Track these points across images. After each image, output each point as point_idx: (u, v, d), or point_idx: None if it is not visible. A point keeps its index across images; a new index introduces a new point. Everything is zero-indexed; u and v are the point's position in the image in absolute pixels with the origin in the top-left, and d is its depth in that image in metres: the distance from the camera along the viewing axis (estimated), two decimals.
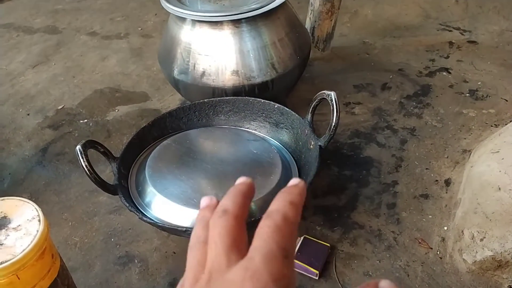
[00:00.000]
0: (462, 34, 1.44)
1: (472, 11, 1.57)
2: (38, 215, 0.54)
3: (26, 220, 0.54)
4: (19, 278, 0.51)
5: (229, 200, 0.23)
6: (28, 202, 0.56)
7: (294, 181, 0.24)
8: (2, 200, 0.56)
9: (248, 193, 0.24)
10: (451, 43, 1.39)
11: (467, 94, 1.15)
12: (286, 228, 0.20)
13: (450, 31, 1.46)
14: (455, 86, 1.19)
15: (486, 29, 1.47)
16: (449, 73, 1.24)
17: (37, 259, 0.52)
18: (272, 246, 0.19)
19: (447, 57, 1.32)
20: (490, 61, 1.29)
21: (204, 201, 0.25)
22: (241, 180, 0.25)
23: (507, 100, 1.12)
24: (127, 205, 0.73)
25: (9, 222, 0.53)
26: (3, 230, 0.52)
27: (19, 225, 0.53)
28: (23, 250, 0.50)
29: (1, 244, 0.51)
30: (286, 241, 0.20)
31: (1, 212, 0.54)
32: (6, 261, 0.49)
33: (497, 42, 1.40)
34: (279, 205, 0.22)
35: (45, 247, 0.54)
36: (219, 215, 0.22)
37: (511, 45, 1.38)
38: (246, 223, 0.22)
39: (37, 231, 0.52)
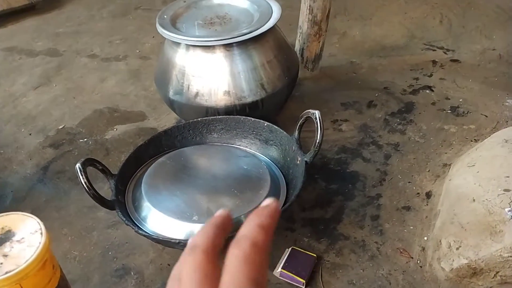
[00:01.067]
0: (446, 53, 1.51)
1: (455, 31, 1.65)
2: (40, 229, 0.59)
3: (29, 233, 0.58)
4: (22, 287, 0.55)
5: (200, 236, 0.22)
6: (31, 217, 0.61)
7: (266, 201, 0.23)
8: (6, 215, 0.60)
9: (222, 225, 0.23)
10: (434, 62, 1.45)
11: (449, 111, 1.21)
12: (255, 256, 0.20)
13: (434, 50, 1.53)
14: (437, 103, 1.25)
15: (469, 48, 1.54)
16: (432, 90, 1.30)
17: (39, 269, 0.56)
18: (241, 280, 0.19)
19: (431, 75, 1.38)
20: (472, 79, 1.35)
21: (191, 239, 0.25)
22: (218, 213, 0.24)
23: (487, 116, 1.18)
24: (124, 219, 0.78)
25: (14, 235, 0.58)
26: (8, 243, 0.57)
27: (22, 238, 0.57)
28: (26, 261, 0.54)
29: (6, 256, 0.55)
30: (256, 270, 0.19)
31: (6, 226, 0.59)
32: (10, 271, 0.53)
33: (479, 61, 1.46)
34: (248, 229, 0.21)
35: (47, 258, 0.58)
36: (188, 253, 0.21)
37: (492, 63, 1.45)
38: (226, 240, 0.22)
39: (39, 243, 0.57)
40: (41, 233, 0.58)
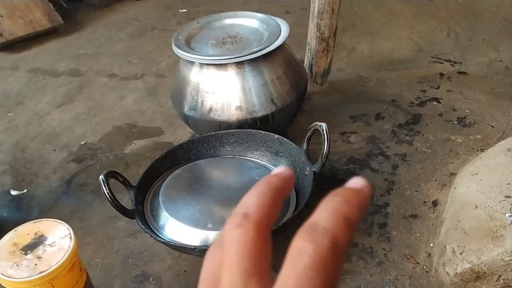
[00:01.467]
0: (453, 66, 1.54)
1: (462, 44, 1.68)
2: (70, 233, 0.64)
3: (60, 238, 0.64)
4: (53, 287, 0.61)
5: (253, 200, 0.17)
6: (61, 223, 0.66)
7: (357, 181, 0.17)
8: (39, 221, 0.66)
9: (282, 189, 0.18)
10: (441, 74, 1.49)
11: (455, 122, 1.24)
12: (333, 262, 0.14)
13: (441, 63, 1.57)
14: (444, 114, 1.28)
15: (476, 60, 1.57)
16: (439, 102, 1.34)
17: (68, 270, 0.62)
18: None
19: (438, 87, 1.42)
20: (479, 90, 1.38)
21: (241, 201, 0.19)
22: (277, 170, 0.19)
23: (493, 126, 1.21)
24: (143, 227, 0.83)
25: (46, 239, 0.64)
26: (41, 246, 0.62)
27: (53, 242, 0.63)
28: (57, 262, 0.60)
29: (40, 258, 0.61)
30: (329, 283, 0.14)
31: (39, 231, 0.65)
32: (43, 271, 0.59)
33: (486, 72, 1.49)
34: (330, 220, 0.16)
35: (75, 261, 0.64)
36: (238, 223, 0.17)
37: (499, 74, 1.47)
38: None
39: (69, 246, 0.62)
40: (70, 238, 0.63)
